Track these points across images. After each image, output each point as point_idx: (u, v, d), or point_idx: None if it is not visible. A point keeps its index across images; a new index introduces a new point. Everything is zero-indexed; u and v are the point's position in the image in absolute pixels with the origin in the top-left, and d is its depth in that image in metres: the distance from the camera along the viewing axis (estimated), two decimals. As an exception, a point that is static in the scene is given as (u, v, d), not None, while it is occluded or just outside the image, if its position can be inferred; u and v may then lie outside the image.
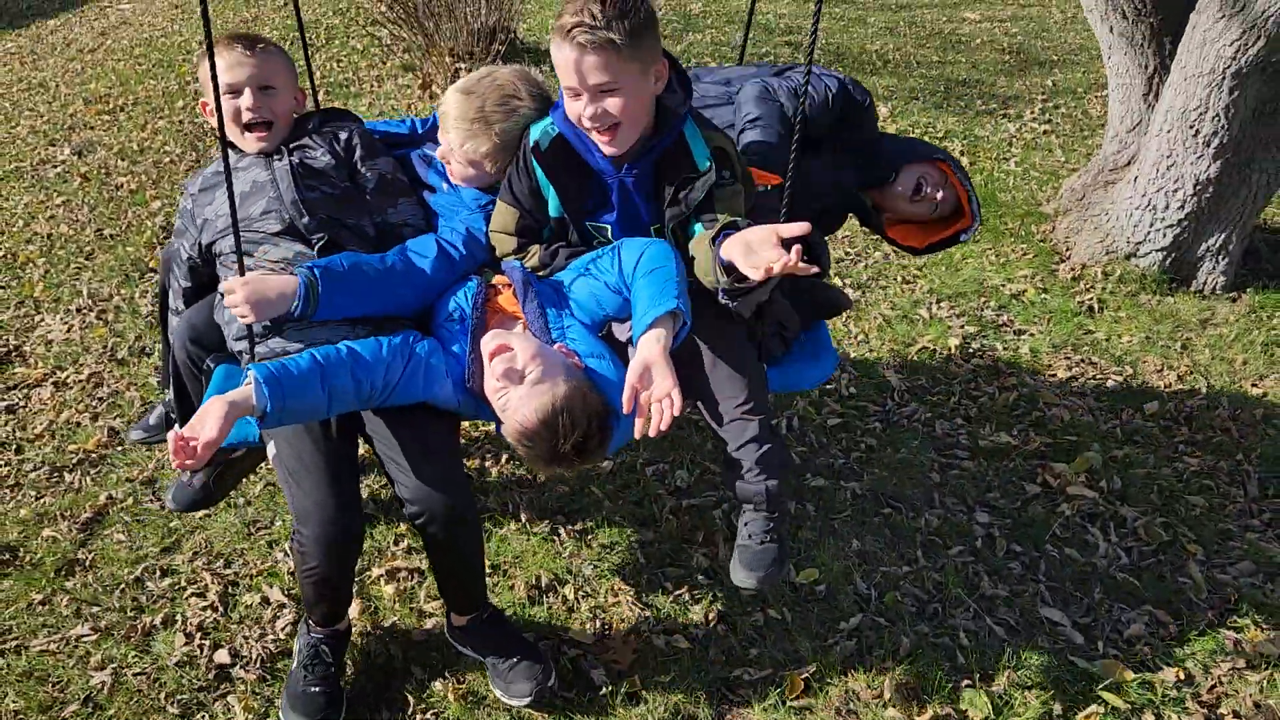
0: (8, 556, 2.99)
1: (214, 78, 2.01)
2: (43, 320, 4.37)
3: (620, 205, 2.30)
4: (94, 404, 3.74)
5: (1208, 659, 2.53)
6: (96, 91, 7.12)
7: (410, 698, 2.47)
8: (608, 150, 2.21)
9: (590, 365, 2.16)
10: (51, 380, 3.92)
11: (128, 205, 5.41)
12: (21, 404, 3.79)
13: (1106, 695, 2.41)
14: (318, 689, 2.34)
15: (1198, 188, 4.03)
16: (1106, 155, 4.65)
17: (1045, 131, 6.29)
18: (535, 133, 2.28)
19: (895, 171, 2.81)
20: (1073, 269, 4.43)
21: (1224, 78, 3.67)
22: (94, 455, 3.44)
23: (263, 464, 3.06)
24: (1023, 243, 4.68)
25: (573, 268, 2.30)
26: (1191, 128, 3.88)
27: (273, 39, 2.56)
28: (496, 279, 2.35)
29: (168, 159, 5.93)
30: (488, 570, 2.64)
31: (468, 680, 2.51)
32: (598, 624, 2.68)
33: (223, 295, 2.29)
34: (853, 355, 3.91)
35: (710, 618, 2.67)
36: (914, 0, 9.43)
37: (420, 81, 6.52)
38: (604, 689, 2.44)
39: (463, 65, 6.40)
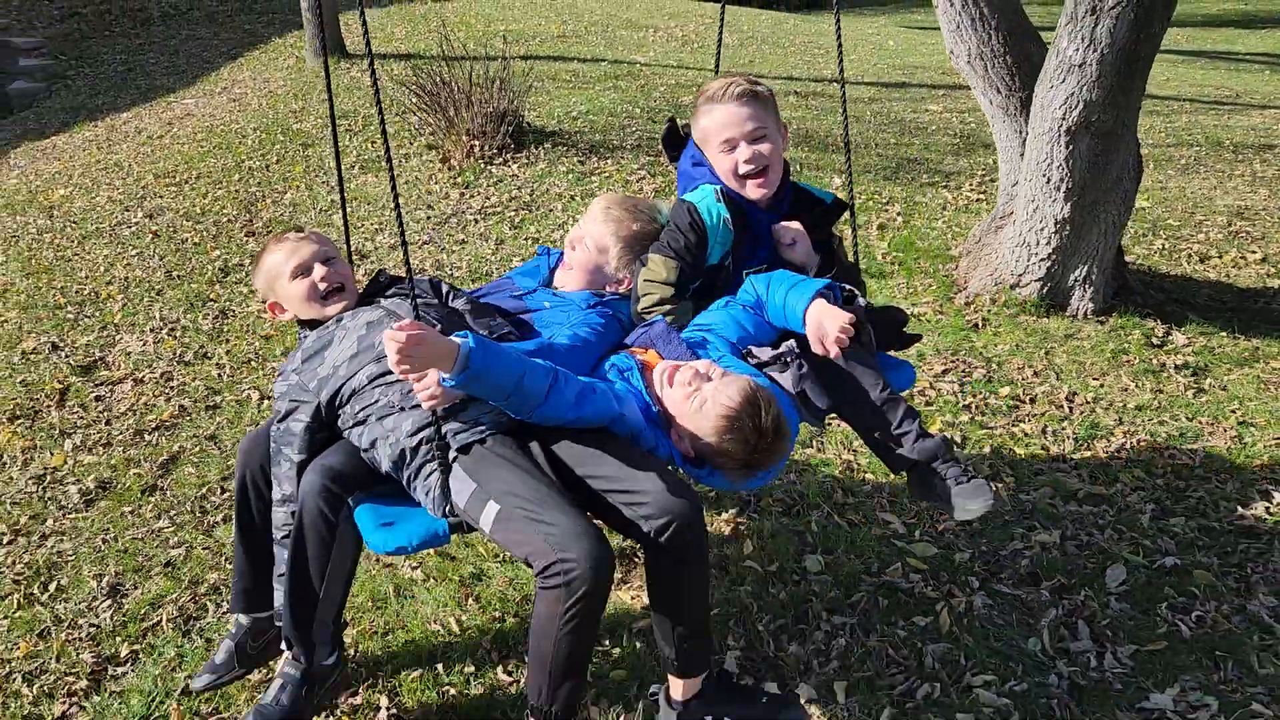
0: (103, 488, 3.93)
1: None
2: (122, 339, 5.39)
3: (770, 247, 2.69)
4: (167, 391, 4.73)
5: (999, 544, 3.36)
6: (164, 169, 8.32)
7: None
8: (758, 193, 2.61)
9: None
10: (131, 378, 4.92)
11: (192, 254, 6.50)
12: (108, 394, 4.78)
13: (912, 560, 3.26)
14: None
15: (1058, 226, 4.95)
16: (999, 207, 5.60)
17: (977, 199, 7.27)
18: (707, 192, 2.62)
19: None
20: (967, 297, 5.34)
21: (1060, 135, 4.64)
22: (168, 423, 4.41)
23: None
24: (930, 278, 5.61)
25: (712, 308, 2.61)
26: (1044, 176, 4.83)
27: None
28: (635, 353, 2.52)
29: (225, 219, 7.05)
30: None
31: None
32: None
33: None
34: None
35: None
36: (885, 95, 10.56)
37: (441, 157, 7.66)
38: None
39: (476, 143, 7.53)
